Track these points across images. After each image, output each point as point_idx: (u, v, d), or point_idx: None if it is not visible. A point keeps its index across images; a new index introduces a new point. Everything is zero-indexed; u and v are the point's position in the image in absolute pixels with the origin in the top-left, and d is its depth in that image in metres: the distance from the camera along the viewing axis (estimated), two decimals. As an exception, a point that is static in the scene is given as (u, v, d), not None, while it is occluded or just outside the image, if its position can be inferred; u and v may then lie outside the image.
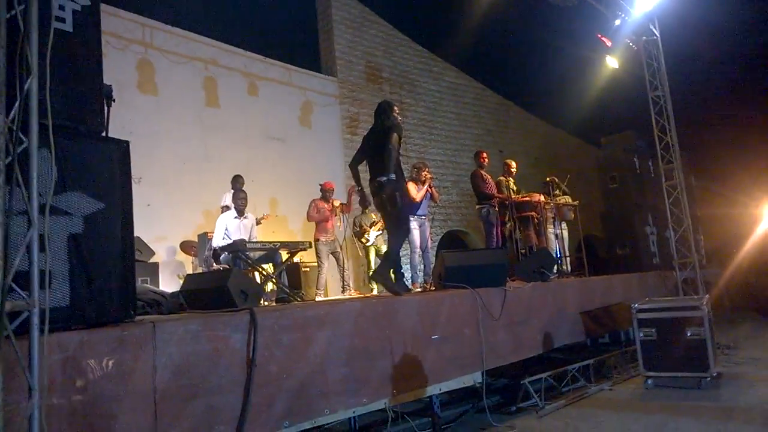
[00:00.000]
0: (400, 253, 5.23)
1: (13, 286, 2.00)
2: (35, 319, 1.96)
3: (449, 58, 13.60)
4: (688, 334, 5.17)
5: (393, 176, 4.72)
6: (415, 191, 6.91)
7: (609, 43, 8.12)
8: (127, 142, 2.98)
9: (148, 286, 5.53)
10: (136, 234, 7.96)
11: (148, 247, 7.71)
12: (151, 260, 7.64)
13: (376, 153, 4.91)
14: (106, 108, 3.49)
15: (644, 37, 8.00)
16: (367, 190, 5.26)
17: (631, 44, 8.05)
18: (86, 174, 2.76)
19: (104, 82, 3.51)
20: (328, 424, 4.63)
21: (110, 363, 2.52)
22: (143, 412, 2.58)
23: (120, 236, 2.86)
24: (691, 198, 9.36)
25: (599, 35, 8.12)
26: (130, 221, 2.92)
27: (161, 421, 2.63)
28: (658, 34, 8.01)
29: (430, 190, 7.13)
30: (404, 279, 5.15)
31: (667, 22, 8.17)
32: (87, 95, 2.91)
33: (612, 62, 8.49)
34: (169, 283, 7.82)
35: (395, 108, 5.14)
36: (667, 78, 7.97)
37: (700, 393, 4.96)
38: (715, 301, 9.10)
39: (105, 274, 2.74)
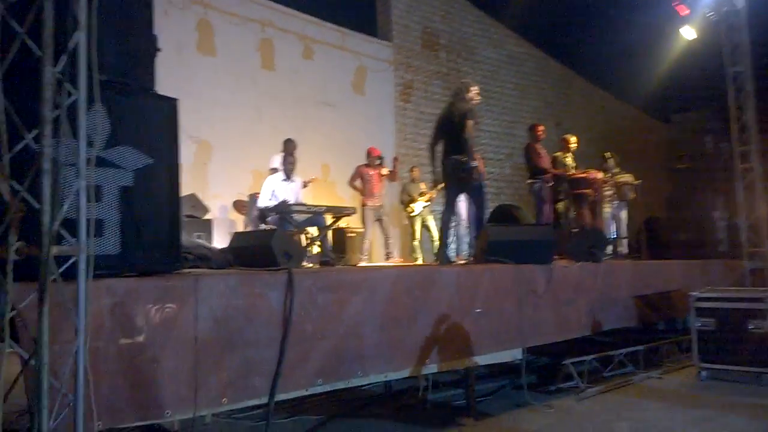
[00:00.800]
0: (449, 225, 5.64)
1: (63, 232, 2.09)
2: (82, 264, 2.05)
3: (511, 25, 13.06)
4: (750, 327, 4.89)
5: (475, 163, 5.19)
6: None
7: (685, 12, 7.55)
8: (176, 99, 3.02)
9: (199, 241, 5.71)
10: (192, 191, 8.33)
11: (203, 204, 7.95)
12: (206, 217, 7.90)
13: (452, 137, 5.39)
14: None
15: (725, 8, 7.39)
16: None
17: (710, 14, 7.45)
18: (136, 129, 2.83)
19: (163, 41, 3.58)
20: (362, 386, 4.74)
21: (155, 310, 2.62)
22: (185, 358, 2.68)
23: (167, 190, 2.93)
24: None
25: (675, 3, 7.56)
26: (176, 177, 2.98)
27: (201, 368, 2.73)
28: (743, 3, 7.38)
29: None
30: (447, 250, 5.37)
31: (752, -8, 7.51)
32: (138, 51, 2.96)
33: (688, 33, 7.90)
34: (222, 240, 8.07)
35: (471, 89, 5.52)
36: (750, 52, 7.37)
37: (759, 389, 4.69)
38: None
39: (153, 226, 2.84)
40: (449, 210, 5.71)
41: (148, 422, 2.90)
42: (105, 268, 2.57)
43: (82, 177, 2.07)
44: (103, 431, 2.46)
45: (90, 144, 2.31)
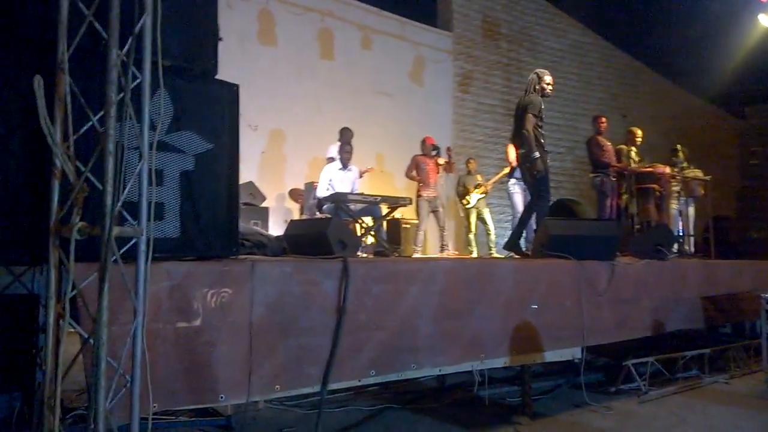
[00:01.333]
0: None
1: (125, 214, 2.13)
2: (142, 246, 2.08)
3: (574, 14, 12.60)
4: (825, 334, 4.55)
5: (536, 155, 5.10)
6: (515, 154, 6.58)
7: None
8: (237, 86, 3.04)
9: (256, 228, 5.81)
10: (250, 179, 8.50)
11: (260, 192, 8.11)
12: (263, 205, 8.04)
13: (517, 127, 5.40)
14: None
15: (813, -9, 6.84)
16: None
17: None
18: (198, 114, 2.85)
19: (226, 31, 3.63)
20: (416, 378, 4.69)
21: (211, 294, 2.65)
22: (239, 343, 2.71)
23: (226, 177, 2.95)
24: None
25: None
26: (236, 163, 3.00)
27: (256, 353, 2.74)
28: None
29: None
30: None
31: None
32: (202, 37, 2.97)
33: (765, 20, 7.35)
34: (277, 228, 8.21)
35: (544, 78, 5.52)
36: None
37: (830, 399, 4.39)
38: None
39: (212, 211, 2.86)
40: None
41: (203, 405, 2.97)
42: (165, 251, 2.61)
43: (145, 160, 2.11)
44: (157, 412, 2.53)
45: (153, 128, 2.35)
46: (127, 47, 2.05)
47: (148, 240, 2.09)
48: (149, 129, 2.23)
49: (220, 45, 3.53)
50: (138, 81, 2.10)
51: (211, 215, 2.85)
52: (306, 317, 2.96)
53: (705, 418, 4.00)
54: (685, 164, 7.92)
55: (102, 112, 2.00)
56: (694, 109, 14.14)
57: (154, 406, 2.41)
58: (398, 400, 4.43)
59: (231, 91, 3.04)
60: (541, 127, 5.31)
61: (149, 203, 2.10)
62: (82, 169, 1.96)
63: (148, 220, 2.11)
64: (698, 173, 7.68)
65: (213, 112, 2.93)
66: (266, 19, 9.09)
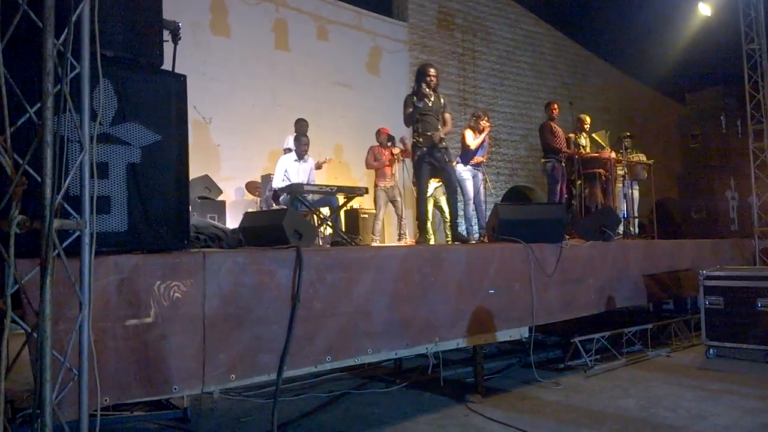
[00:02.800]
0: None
1: (68, 208, 2.12)
2: (85, 239, 2.08)
3: (527, 4, 12.85)
4: (759, 306, 4.87)
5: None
6: (472, 139, 6.71)
7: (702, -12, 7.35)
8: (184, 77, 3.02)
9: (210, 221, 5.76)
10: (205, 173, 8.38)
11: (216, 186, 8.02)
12: (219, 198, 7.96)
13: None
14: (173, 45, 3.57)
15: (744, -17, 7.19)
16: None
17: (728, -11, 7.25)
18: (144, 106, 2.82)
19: (177, 22, 3.58)
20: (373, 364, 4.78)
21: (162, 287, 2.65)
22: (193, 335, 2.72)
23: (175, 168, 2.94)
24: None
25: (692, -22, 7.36)
26: (185, 155, 2.98)
27: (210, 344, 2.76)
28: (760, -20, 7.17)
29: (486, 139, 6.93)
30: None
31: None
32: (147, 27, 2.94)
33: (704, 10, 7.69)
34: (235, 221, 8.14)
35: (427, 71, 5.45)
36: (765, 29, 7.17)
37: (766, 367, 4.69)
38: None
39: (161, 203, 2.84)
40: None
41: (156, 397, 2.96)
42: (112, 244, 2.60)
43: (86, 152, 2.09)
44: (110, 406, 2.52)
45: (96, 120, 2.33)
46: (63, 36, 2.02)
47: (92, 233, 2.08)
48: (91, 120, 2.22)
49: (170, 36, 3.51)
50: (76, 71, 2.08)
51: (160, 208, 2.84)
52: (260, 307, 2.98)
53: (647, 389, 4.22)
54: (630, 149, 8.24)
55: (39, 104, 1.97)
56: (640, 96, 14.68)
57: (105, 400, 2.41)
58: (355, 385, 4.52)
59: (178, 82, 3.01)
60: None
61: (92, 196, 2.09)
62: (20, 161, 1.93)
63: (91, 213, 2.10)
64: (642, 157, 8.00)
65: (160, 103, 2.91)
66: (219, 9, 8.94)
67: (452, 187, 5.61)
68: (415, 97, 5.41)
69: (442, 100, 5.48)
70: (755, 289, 4.90)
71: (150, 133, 2.83)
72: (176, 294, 2.70)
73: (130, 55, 2.87)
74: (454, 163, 7.08)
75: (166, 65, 3.11)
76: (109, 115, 2.66)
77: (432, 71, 5.42)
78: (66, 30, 2.02)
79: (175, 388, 2.65)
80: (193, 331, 2.72)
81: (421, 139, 5.36)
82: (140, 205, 2.75)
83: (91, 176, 2.11)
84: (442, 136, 5.35)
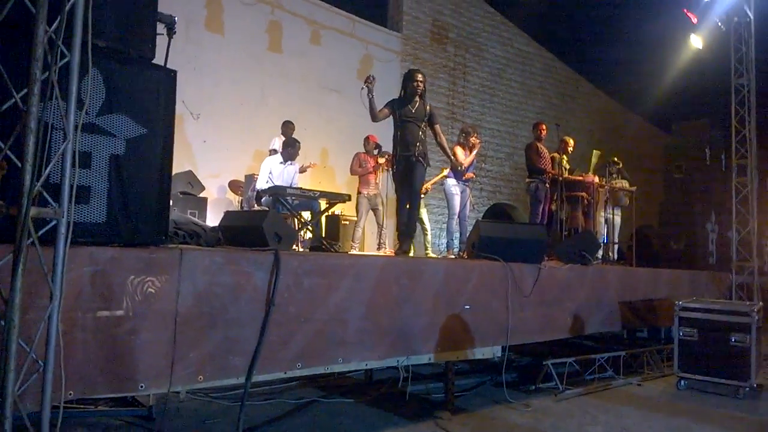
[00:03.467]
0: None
1: (47, 197, 2.08)
2: (62, 228, 2.04)
3: (521, 24, 13.01)
4: (732, 340, 4.92)
5: None
6: (463, 156, 6.75)
7: (695, 20, 7.50)
8: (174, 72, 2.99)
9: (190, 217, 5.70)
10: (189, 168, 8.29)
11: (199, 182, 7.94)
12: (201, 195, 7.88)
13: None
14: (167, 39, 3.53)
15: (736, 18, 7.35)
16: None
17: (719, 24, 7.41)
18: (132, 98, 2.79)
19: (173, 16, 3.55)
20: (344, 373, 4.76)
21: (136, 281, 2.61)
22: (163, 333, 2.67)
23: (159, 163, 2.90)
24: (763, 202, 8.74)
25: (685, 10, 7.50)
26: (170, 150, 2.96)
27: (180, 343, 2.72)
28: (752, 16, 7.33)
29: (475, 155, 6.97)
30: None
31: (763, 5, 7.46)
32: (140, 21, 2.92)
33: (696, 42, 7.85)
34: (215, 219, 8.06)
35: (414, 75, 5.29)
36: (754, 66, 7.35)
37: (736, 402, 4.74)
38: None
39: (142, 197, 2.81)
40: None
41: (122, 395, 2.90)
42: (89, 235, 2.56)
43: (69, 140, 2.06)
44: (74, 401, 2.46)
45: (83, 109, 2.29)
46: (55, 24, 2.00)
47: (69, 222, 2.04)
48: (77, 110, 2.18)
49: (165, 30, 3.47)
50: (66, 60, 2.05)
51: (141, 201, 2.80)
52: (235, 308, 2.95)
53: (616, 417, 4.23)
54: (615, 175, 8.35)
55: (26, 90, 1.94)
56: (626, 122, 14.92)
57: (70, 394, 2.36)
58: (324, 393, 4.48)
59: (168, 77, 2.99)
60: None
61: (71, 185, 2.05)
62: (2, 146, 1.89)
63: (70, 202, 2.06)
64: (625, 184, 8.10)
65: (148, 96, 2.88)
66: (215, 6, 8.91)
67: (412, 197, 5.25)
68: (396, 103, 5.22)
69: (427, 108, 5.28)
70: (730, 324, 4.95)
71: (136, 125, 2.80)
72: (150, 289, 2.65)
73: (122, 47, 2.84)
74: (444, 174, 7.12)
75: (159, 59, 3.08)
76: (96, 105, 2.64)
77: (419, 77, 5.24)
78: (59, 18, 2.00)
79: (142, 386, 2.60)
80: (164, 328, 2.68)
81: (398, 148, 5.18)
82: (120, 197, 2.72)
83: (73, 165, 2.07)
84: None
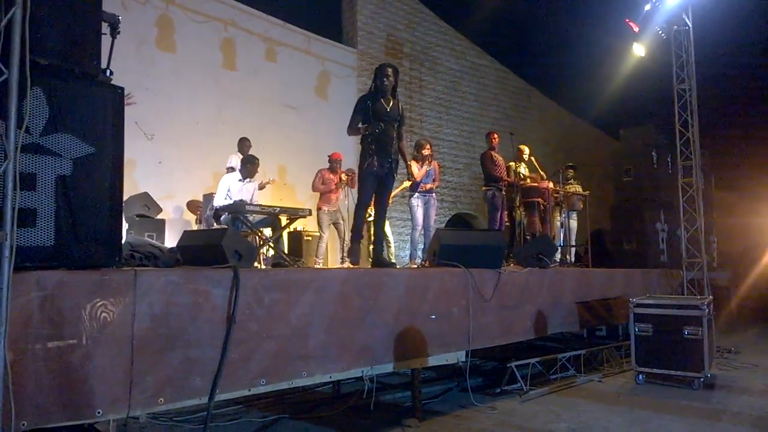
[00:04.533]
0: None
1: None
2: (5, 252, 1.97)
3: (473, 38, 13.35)
4: (685, 333, 5.10)
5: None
6: (417, 170, 6.84)
7: (637, 29, 7.84)
8: (122, 88, 2.94)
9: (147, 239, 5.58)
10: (145, 189, 8.13)
11: (156, 203, 7.78)
12: (159, 217, 7.72)
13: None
14: (111, 39, 3.44)
15: (675, 26, 7.71)
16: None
17: (660, 32, 7.76)
18: (78, 117, 2.73)
19: (117, 15, 3.44)
20: (310, 387, 4.71)
21: (89, 305, 2.53)
22: (119, 357, 2.60)
23: (108, 182, 2.83)
24: (709, 201, 9.14)
25: (627, 20, 7.84)
26: (119, 168, 2.89)
27: (137, 367, 2.64)
28: (690, 25, 7.71)
29: (435, 166, 7.06)
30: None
31: (701, 13, 7.86)
32: (84, 36, 2.87)
33: (638, 50, 8.21)
34: (174, 241, 7.90)
35: (384, 70, 4.93)
36: (695, 71, 7.71)
37: (691, 393, 4.92)
38: (723, 306, 9.02)
39: (91, 218, 2.73)
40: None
41: (78, 422, 2.80)
42: (37, 259, 2.48)
43: (10, 161, 2.00)
44: (28, 431, 2.36)
45: (25, 129, 2.23)
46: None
47: (12, 246, 1.98)
48: (18, 129, 2.12)
49: (115, 48, 3.40)
50: (4, 77, 2.00)
51: (91, 223, 2.73)
52: (194, 328, 2.89)
53: (579, 414, 4.33)
54: (570, 180, 8.61)
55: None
56: (578, 130, 15.40)
57: (23, 425, 2.27)
58: (293, 410, 4.42)
59: (115, 94, 2.93)
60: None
61: (14, 207, 1.99)
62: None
63: (14, 225, 2.00)
64: (578, 188, 8.35)
65: (95, 114, 2.82)
66: (166, 24, 8.81)
67: (383, 205, 5.07)
68: (369, 101, 4.86)
69: (400, 108, 4.99)
70: (682, 318, 5.14)
71: (83, 144, 2.74)
72: (103, 313, 2.58)
73: (66, 64, 2.78)
74: (404, 186, 7.18)
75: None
76: (40, 124, 2.56)
77: (389, 70, 4.89)
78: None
79: (99, 412, 2.51)
80: (120, 352, 2.60)
81: (373, 146, 4.78)
82: (69, 219, 2.64)
83: (15, 187, 2.01)
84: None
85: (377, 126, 4.75)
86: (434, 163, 7.11)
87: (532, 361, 5.09)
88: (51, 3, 2.67)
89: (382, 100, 4.88)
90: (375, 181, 4.89)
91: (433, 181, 7.03)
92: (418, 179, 6.84)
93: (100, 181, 2.80)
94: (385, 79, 4.87)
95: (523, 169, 7.93)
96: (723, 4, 8.30)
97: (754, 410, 4.34)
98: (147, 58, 8.43)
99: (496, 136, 7.61)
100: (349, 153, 9.95)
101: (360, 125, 4.88)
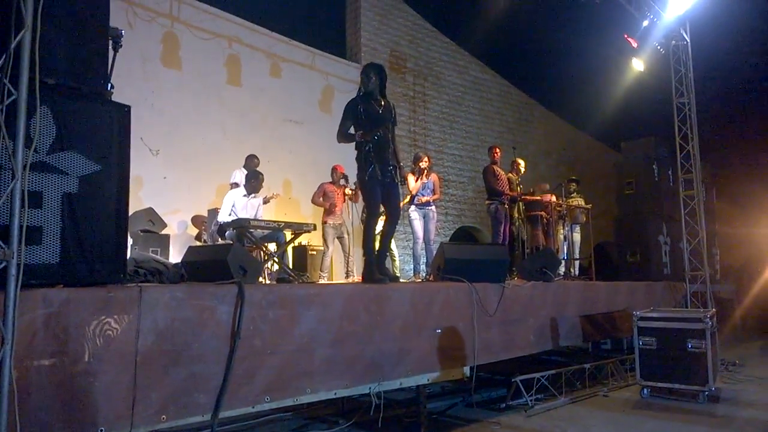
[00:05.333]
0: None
1: (-4, 238, 2.03)
2: (12, 270, 1.99)
3: (475, 52, 13.43)
4: (689, 347, 5.08)
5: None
6: (413, 182, 6.86)
7: (635, 45, 7.91)
8: (128, 107, 2.98)
9: (152, 255, 5.60)
10: (150, 205, 8.17)
11: (161, 219, 7.81)
12: (163, 232, 7.74)
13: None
14: (112, 53, 3.47)
15: (674, 42, 7.78)
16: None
17: (659, 48, 7.83)
18: (85, 135, 2.77)
19: (120, 29, 3.46)
20: (317, 403, 4.68)
21: (94, 322, 2.55)
22: (123, 373, 2.61)
23: (115, 199, 2.87)
24: (710, 213, 9.13)
25: (626, 36, 7.91)
26: (125, 186, 2.93)
27: (141, 384, 2.65)
28: (688, 40, 7.78)
29: (426, 178, 6.98)
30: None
31: (699, 28, 7.93)
32: (91, 56, 2.92)
33: (638, 65, 8.27)
34: (179, 256, 7.92)
35: (368, 71, 4.66)
36: (694, 85, 7.75)
37: (696, 406, 4.88)
38: (726, 318, 8.96)
39: (98, 236, 2.76)
40: None
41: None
42: (43, 277, 2.50)
43: (17, 179, 2.03)
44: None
45: (31, 147, 2.27)
46: (1, 61, 1.99)
47: (19, 264, 2.00)
48: (26, 148, 2.16)
49: (121, 64, 3.44)
50: (13, 98, 2.04)
51: (97, 240, 2.75)
52: (198, 344, 2.90)
53: (585, 428, 4.30)
54: (573, 194, 8.62)
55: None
56: (580, 143, 15.43)
57: (26, 442, 2.27)
58: (298, 425, 4.40)
59: (121, 112, 2.97)
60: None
61: (21, 225, 2.02)
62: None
63: (20, 243, 2.02)
64: (581, 201, 8.35)
65: (101, 132, 2.86)
66: (171, 41, 8.90)
67: (394, 216, 4.70)
68: (360, 106, 4.56)
69: (392, 107, 4.73)
70: (686, 331, 5.12)
71: (89, 162, 2.77)
72: (108, 330, 2.59)
73: (73, 83, 2.83)
74: (406, 200, 7.19)
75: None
76: (47, 143, 2.60)
77: (370, 70, 4.64)
78: (4, 55, 1.99)
79: (102, 430, 2.52)
80: (123, 369, 2.61)
81: (372, 153, 4.46)
82: (75, 236, 2.67)
83: (22, 206, 2.04)
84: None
85: (375, 132, 4.48)
86: (433, 176, 7.11)
87: (537, 375, 5.07)
88: (59, 23, 2.72)
89: (372, 102, 4.61)
90: (380, 190, 4.56)
91: (433, 193, 7.02)
92: (414, 192, 6.86)
93: (106, 198, 2.84)
94: (368, 81, 4.58)
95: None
96: (721, 18, 8.36)
97: (759, 424, 4.31)
98: (152, 75, 8.52)
99: (498, 150, 7.64)
100: (352, 167, 10.00)
101: (354, 131, 4.59)
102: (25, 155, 2.10)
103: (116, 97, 3.10)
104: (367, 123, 4.54)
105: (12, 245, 2.00)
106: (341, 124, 4.63)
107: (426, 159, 7.06)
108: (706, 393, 4.99)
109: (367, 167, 4.51)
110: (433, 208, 7.02)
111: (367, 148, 4.53)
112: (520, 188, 7.83)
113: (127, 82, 3.42)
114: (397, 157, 4.79)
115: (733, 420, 4.46)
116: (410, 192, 6.71)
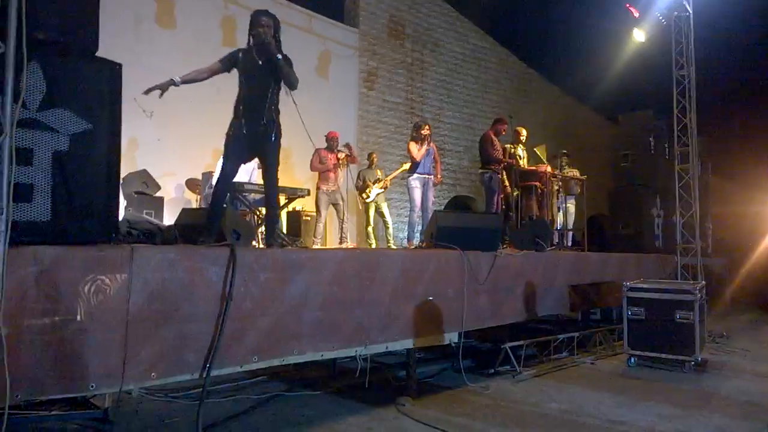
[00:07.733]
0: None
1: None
2: (1, 226, 1.99)
3: (476, 20, 13.22)
4: (677, 317, 5.16)
5: None
6: (416, 150, 6.82)
7: (637, 14, 7.78)
8: (119, 65, 2.93)
9: (145, 216, 5.59)
10: (143, 167, 8.08)
11: (155, 181, 7.77)
12: (157, 195, 7.72)
13: None
14: None
15: (676, 12, 7.66)
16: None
17: (661, 18, 7.70)
18: (75, 92, 2.73)
19: (122, 11, 3.41)
20: (307, 366, 4.76)
21: (85, 280, 2.56)
22: (115, 330, 2.63)
23: (105, 158, 2.85)
24: (705, 188, 9.14)
25: (627, 5, 7.78)
26: (117, 144, 2.90)
27: (132, 341, 2.68)
28: (691, 11, 7.66)
29: (434, 147, 7.04)
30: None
31: (702, 0, 7.81)
32: (82, 11, 2.85)
33: (639, 36, 8.16)
34: (172, 219, 7.90)
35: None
36: (694, 58, 7.67)
37: (682, 376, 4.99)
38: (717, 292, 9.08)
39: (88, 194, 2.74)
40: None
41: (71, 395, 2.84)
42: (33, 234, 2.49)
43: (6, 135, 2.01)
44: (25, 405, 2.39)
45: (22, 104, 2.24)
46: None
47: (9, 221, 1.99)
48: (14, 104, 2.13)
49: (114, 24, 3.37)
50: (1, 51, 2.00)
51: (88, 198, 2.74)
52: (188, 304, 2.92)
53: (570, 395, 4.39)
54: (566, 165, 8.62)
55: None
56: (577, 114, 15.34)
57: (17, 396, 2.31)
58: (288, 388, 4.48)
59: (112, 70, 2.92)
60: None
61: (10, 182, 2.01)
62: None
63: (10, 200, 2.01)
64: (576, 173, 8.35)
65: (92, 90, 2.81)
66: (165, 1, 8.71)
67: (271, 179, 4.40)
68: (241, 53, 4.35)
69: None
70: (674, 302, 5.19)
71: (80, 120, 2.74)
72: (99, 288, 2.60)
73: (63, 39, 2.77)
74: (404, 168, 7.15)
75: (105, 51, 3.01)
76: (37, 99, 2.57)
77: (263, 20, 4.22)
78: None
79: (92, 386, 2.56)
80: (115, 326, 2.63)
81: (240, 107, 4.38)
82: (66, 195, 2.66)
83: (11, 162, 2.03)
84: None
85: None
86: (433, 145, 7.08)
87: (526, 342, 5.14)
88: (47, -23, 2.66)
89: (254, 54, 4.28)
90: (246, 144, 4.50)
91: (434, 161, 7.00)
92: (419, 159, 6.82)
93: (97, 157, 2.81)
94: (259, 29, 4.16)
95: (521, 151, 7.91)
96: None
97: (743, 394, 4.41)
98: (146, 35, 8.36)
99: (506, 126, 7.47)
100: (349, 133, 9.94)
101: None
102: (14, 111, 2.07)
103: (108, 57, 3.04)
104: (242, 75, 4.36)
105: (2, 202, 1.99)
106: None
107: (427, 127, 7.01)
108: (692, 363, 5.09)
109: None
110: (433, 176, 7.02)
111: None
112: (522, 157, 7.79)
113: (120, 41, 3.34)
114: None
115: (716, 389, 4.57)
116: (415, 159, 6.68)
